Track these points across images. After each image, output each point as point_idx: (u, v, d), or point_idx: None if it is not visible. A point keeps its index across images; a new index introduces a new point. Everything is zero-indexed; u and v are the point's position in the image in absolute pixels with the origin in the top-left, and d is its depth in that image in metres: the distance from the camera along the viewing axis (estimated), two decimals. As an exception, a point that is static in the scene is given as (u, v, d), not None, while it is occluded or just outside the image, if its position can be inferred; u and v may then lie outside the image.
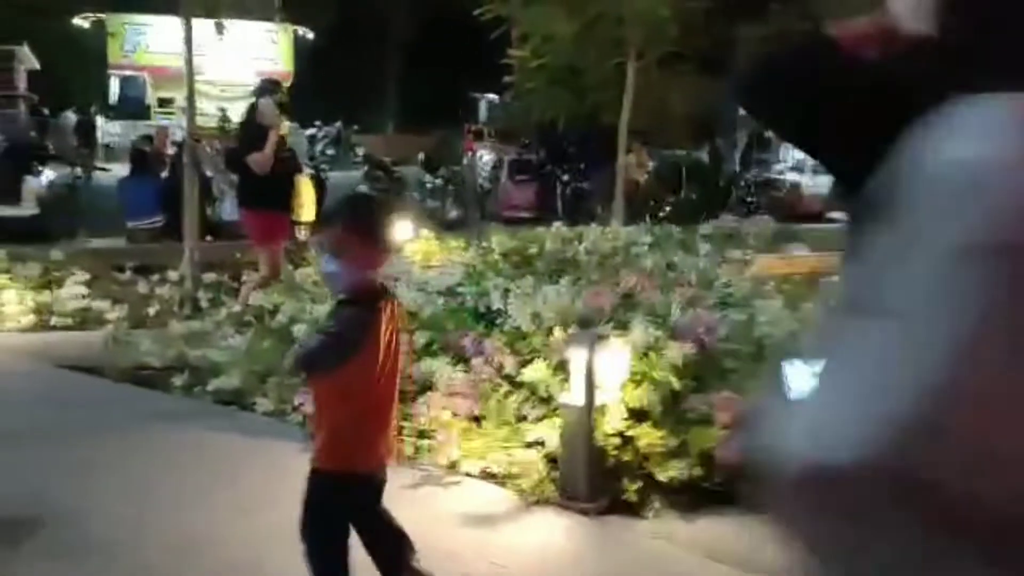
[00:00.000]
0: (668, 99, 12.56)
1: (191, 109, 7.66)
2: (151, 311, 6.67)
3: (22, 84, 25.41)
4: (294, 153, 6.80)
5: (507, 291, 4.69)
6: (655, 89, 11.60)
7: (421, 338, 4.05)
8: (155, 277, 7.45)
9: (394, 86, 29.53)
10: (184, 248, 7.27)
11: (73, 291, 6.81)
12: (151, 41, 23.08)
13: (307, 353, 2.21)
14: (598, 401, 3.14)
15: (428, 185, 15.56)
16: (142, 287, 7.31)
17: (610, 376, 3.20)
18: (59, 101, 23.73)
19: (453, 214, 14.72)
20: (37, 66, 26.05)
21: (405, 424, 3.60)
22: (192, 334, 5.33)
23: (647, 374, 3.31)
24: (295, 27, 22.58)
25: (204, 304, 6.83)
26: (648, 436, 3.18)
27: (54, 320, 6.44)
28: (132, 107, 23.95)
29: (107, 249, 8.68)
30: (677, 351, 3.38)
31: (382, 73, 29.16)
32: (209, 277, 7.36)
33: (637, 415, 3.26)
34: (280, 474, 3.47)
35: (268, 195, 6.08)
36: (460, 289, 4.81)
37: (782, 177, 16.43)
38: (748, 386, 3.51)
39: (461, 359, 3.83)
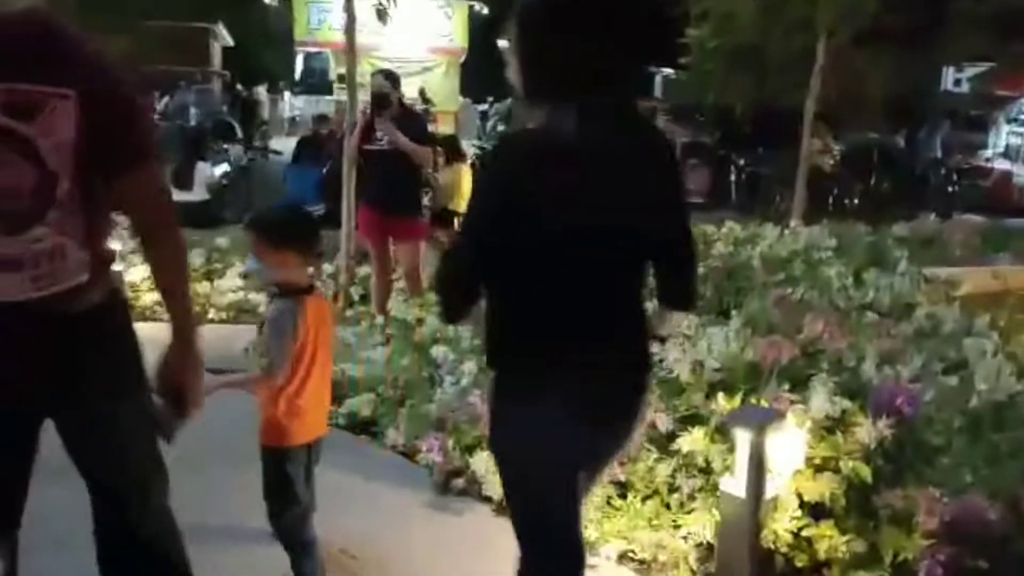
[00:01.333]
0: (862, 79, 11.45)
1: (352, 93, 7.44)
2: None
3: (217, 61, 26.80)
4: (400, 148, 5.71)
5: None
6: (848, 69, 10.58)
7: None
8: (310, 270, 7.35)
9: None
10: (340, 238, 7.14)
11: (232, 283, 6.80)
12: (334, 18, 23.64)
13: (274, 368, 2.44)
14: (769, 491, 2.59)
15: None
16: (298, 279, 7.23)
17: (782, 460, 2.63)
18: (250, 77, 24.82)
19: (620, 198, 14.12)
20: (231, 43, 27.39)
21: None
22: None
23: (830, 459, 2.71)
24: (470, 2, 22.46)
25: (355, 298, 6.68)
26: (829, 537, 2.60)
27: (211, 313, 6.43)
28: (316, 82, 24.70)
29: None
30: (869, 430, 2.76)
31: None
32: (364, 271, 7.20)
33: (815, 510, 2.68)
34: (397, 537, 3.13)
35: (370, 190, 5.65)
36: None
37: (989, 165, 14.75)
38: (958, 474, 2.85)
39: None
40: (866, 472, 2.68)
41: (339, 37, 23.03)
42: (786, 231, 7.38)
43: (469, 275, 1.75)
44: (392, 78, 5.83)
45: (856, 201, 12.36)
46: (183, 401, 2.01)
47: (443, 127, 17.13)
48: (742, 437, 2.53)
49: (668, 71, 20.24)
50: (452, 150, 8.81)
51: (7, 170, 1.68)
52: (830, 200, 12.07)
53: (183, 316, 1.97)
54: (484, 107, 23.87)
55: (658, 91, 22.05)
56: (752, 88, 11.59)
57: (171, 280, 1.97)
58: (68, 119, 1.69)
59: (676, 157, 1.90)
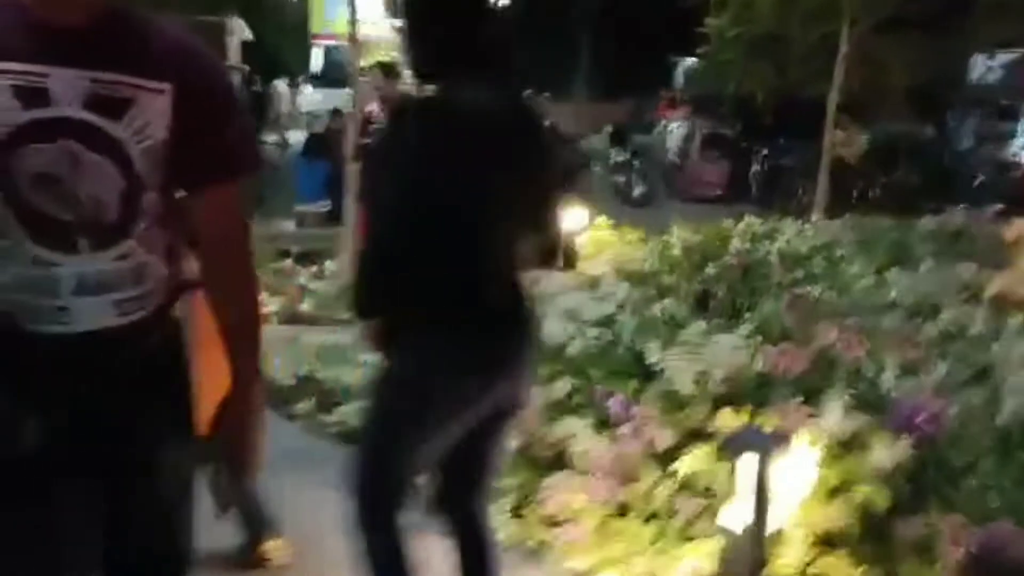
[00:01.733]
0: (887, 68, 11.10)
1: (356, 87, 7.26)
2: (304, 307, 6.40)
3: (234, 55, 26.68)
4: None
5: (672, 321, 3.94)
6: (872, 58, 10.25)
7: (563, 387, 3.38)
8: (313, 268, 7.20)
9: (589, 52, 28.64)
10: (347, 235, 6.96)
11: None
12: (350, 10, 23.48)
13: None
14: (773, 522, 2.35)
15: (612, 160, 14.76)
16: (303, 278, 7.07)
17: (790, 487, 2.40)
18: (270, 71, 24.69)
19: (639, 191, 13.86)
20: (250, 37, 27.30)
21: (525, 509, 2.96)
22: (325, 348, 4.91)
23: (844, 484, 2.47)
24: (487, -7, 22.21)
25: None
26: (841, 570, 2.36)
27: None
28: (334, 75, 24.53)
29: (274, 234, 8.56)
30: (888, 450, 2.52)
31: (577, 38, 28.36)
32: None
33: (827, 540, 2.44)
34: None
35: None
36: (619, 317, 4.09)
37: (1021, 155, 14.28)
38: (985, 498, 2.60)
39: (605, 422, 3.13)
40: (883, 498, 2.44)
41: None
42: (807, 225, 7.12)
43: (398, 258, 1.83)
44: (389, 70, 5.65)
45: (881, 194, 12.00)
46: (243, 463, 1.67)
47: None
48: (744, 464, 2.30)
49: (689, 60, 19.89)
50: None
51: (94, 175, 1.41)
52: (854, 193, 11.73)
53: (249, 365, 1.62)
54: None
55: (680, 81, 21.71)
56: (773, 78, 11.31)
57: (240, 319, 1.62)
58: (161, 117, 1.43)
59: (547, 133, 2.09)
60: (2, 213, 1.39)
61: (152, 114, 1.42)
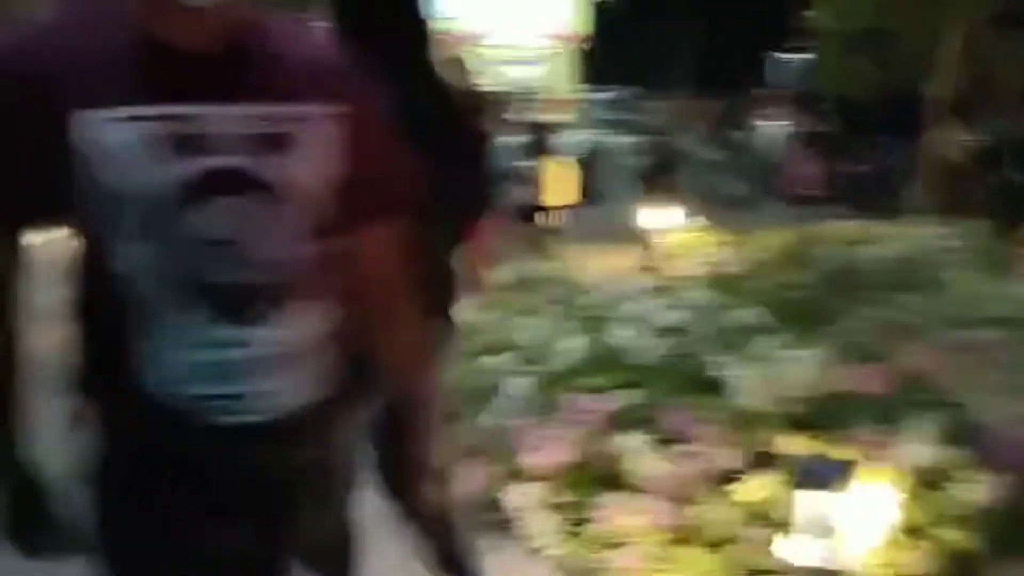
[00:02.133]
0: (1001, 63, 10.48)
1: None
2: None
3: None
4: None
5: (750, 331, 3.71)
6: (984, 52, 9.69)
7: (623, 399, 3.20)
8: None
9: (686, 48, 28.07)
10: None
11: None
12: (436, 5, 23.43)
13: None
14: (842, 562, 2.13)
15: (708, 158, 14.41)
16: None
17: (864, 525, 2.17)
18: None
19: (733, 191, 13.48)
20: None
21: (577, 529, 2.79)
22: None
23: (927, 524, 2.23)
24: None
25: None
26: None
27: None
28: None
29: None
30: (979, 486, 2.26)
31: (674, 35, 27.84)
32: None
33: (904, 584, 2.20)
34: None
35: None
36: (694, 325, 3.87)
37: None
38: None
39: (666, 440, 2.93)
40: (972, 541, 2.19)
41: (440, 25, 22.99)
42: (905, 229, 6.75)
43: None
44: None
45: (986, 196, 11.34)
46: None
47: (559, 116, 16.63)
48: (809, 495, 2.09)
49: (794, 56, 19.26)
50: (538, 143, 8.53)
51: (266, 231, 1.16)
52: (959, 196, 11.13)
53: (421, 443, 1.38)
54: (601, 96, 23.26)
55: (779, 78, 21.07)
56: (875, 74, 10.80)
57: (406, 389, 1.38)
58: (326, 149, 1.18)
59: (475, 126, 2.05)
60: (160, 291, 1.13)
61: (318, 147, 1.17)
